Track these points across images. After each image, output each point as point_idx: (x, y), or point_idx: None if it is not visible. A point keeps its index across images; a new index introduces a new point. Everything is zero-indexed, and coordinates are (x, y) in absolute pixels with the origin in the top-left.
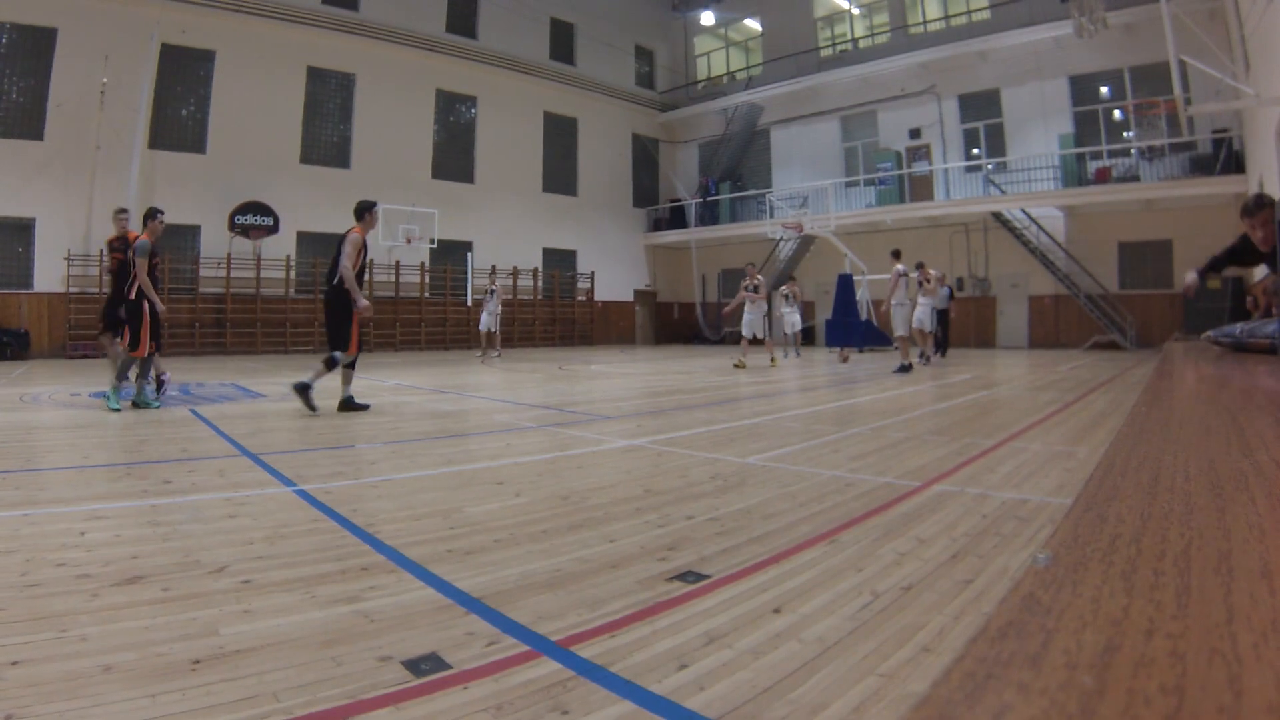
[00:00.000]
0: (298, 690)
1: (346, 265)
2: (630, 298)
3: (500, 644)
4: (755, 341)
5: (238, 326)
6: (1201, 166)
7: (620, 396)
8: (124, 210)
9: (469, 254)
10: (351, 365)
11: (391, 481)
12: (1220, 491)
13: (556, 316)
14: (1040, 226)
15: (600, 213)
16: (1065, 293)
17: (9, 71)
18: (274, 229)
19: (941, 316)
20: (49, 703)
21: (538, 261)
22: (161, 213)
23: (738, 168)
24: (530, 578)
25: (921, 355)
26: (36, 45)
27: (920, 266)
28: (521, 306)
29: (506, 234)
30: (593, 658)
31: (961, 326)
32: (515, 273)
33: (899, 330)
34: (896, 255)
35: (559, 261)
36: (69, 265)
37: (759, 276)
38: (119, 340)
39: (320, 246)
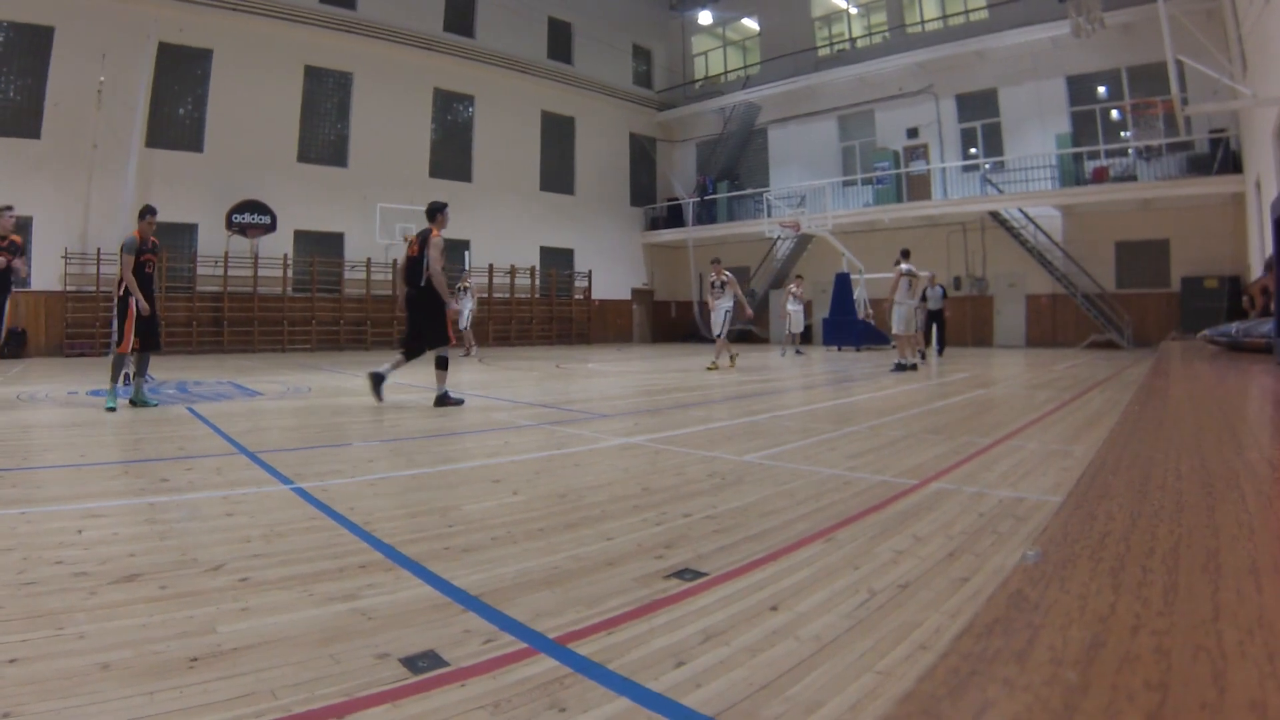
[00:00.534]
0: (295, 688)
1: (437, 269)
2: (628, 296)
3: (497, 641)
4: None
5: (235, 325)
6: (1199, 166)
7: (617, 395)
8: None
9: (466, 252)
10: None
11: (389, 479)
12: (1211, 490)
13: (554, 315)
14: (1037, 226)
15: (598, 211)
16: (1062, 292)
17: (6, 70)
18: (271, 228)
19: (936, 316)
20: (46, 700)
21: (535, 260)
22: (153, 211)
23: (735, 167)
24: (527, 575)
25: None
26: (33, 44)
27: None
28: (519, 305)
29: (504, 233)
30: (590, 655)
31: (959, 326)
32: (513, 271)
33: (897, 329)
34: (905, 255)
35: (556, 260)
36: (66, 264)
37: (725, 273)
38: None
39: (317, 245)
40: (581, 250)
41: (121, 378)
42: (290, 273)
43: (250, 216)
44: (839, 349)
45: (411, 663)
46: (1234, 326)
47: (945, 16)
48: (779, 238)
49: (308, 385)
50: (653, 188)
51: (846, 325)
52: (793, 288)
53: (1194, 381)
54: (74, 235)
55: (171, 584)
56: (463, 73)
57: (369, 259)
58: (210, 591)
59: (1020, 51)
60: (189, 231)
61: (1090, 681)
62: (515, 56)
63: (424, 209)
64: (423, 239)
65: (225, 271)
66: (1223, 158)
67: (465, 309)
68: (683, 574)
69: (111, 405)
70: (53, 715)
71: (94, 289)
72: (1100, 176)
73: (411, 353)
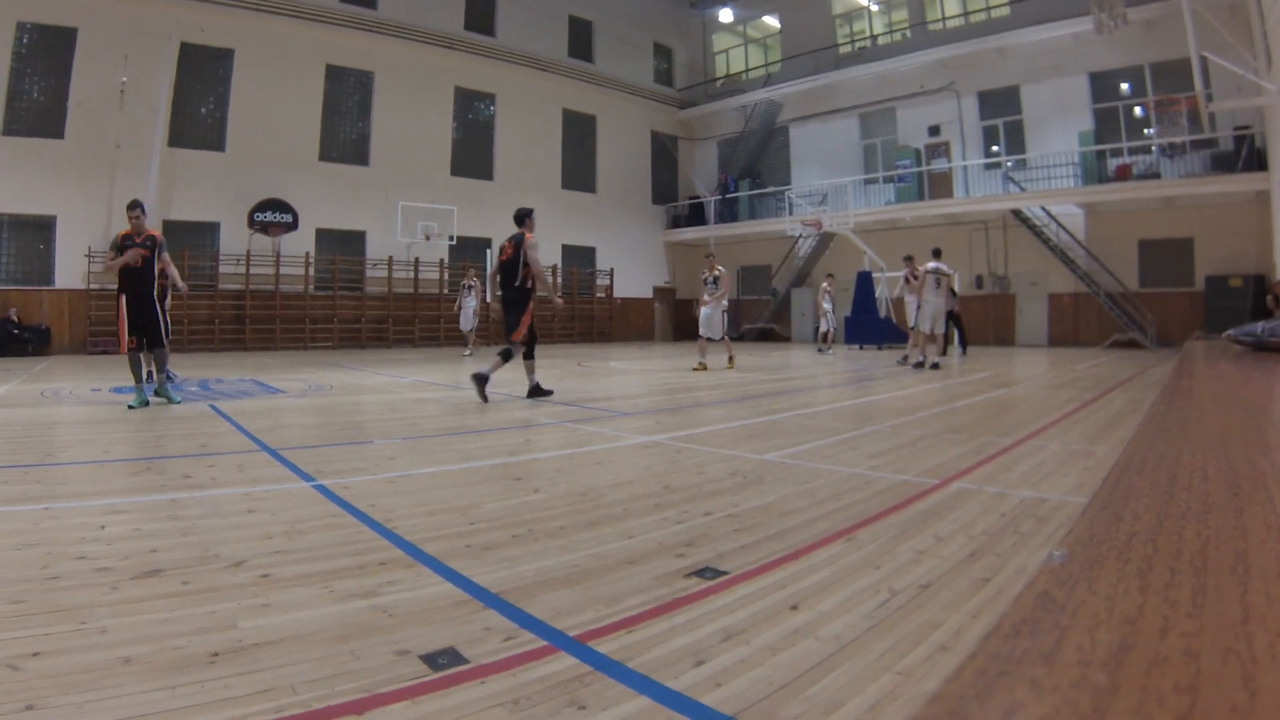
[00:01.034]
0: (315, 683)
1: (541, 270)
2: (649, 295)
3: (518, 639)
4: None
5: (257, 323)
6: (1223, 164)
7: (639, 393)
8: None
9: (488, 250)
10: (531, 355)
11: (409, 477)
12: (1238, 491)
13: (575, 313)
14: (1060, 224)
15: (619, 210)
16: (1085, 291)
17: (30, 71)
18: (293, 226)
19: (952, 315)
20: (68, 694)
21: (557, 258)
22: (135, 205)
23: (756, 165)
24: (548, 573)
25: (904, 358)
26: (57, 45)
27: (909, 260)
28: (541, 303)
29: None
30: (610, 653)
31: (980, 324)
32: None
33: (924, 327)
34: (936, 254)
35: (578, 258)
36: (89, 262)
37: (719, 268)
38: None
39: (339, 243)
40: (603, 249)
41: (145, 375)
42: (312, 271)
43: (272, 215)
44: (860, 348)
45: (431, 660)
46: (1259, 326)
47: (966, 13)
48: (800, 236)
49: (329, 383)
50: (674, 186)
51: (869, 324)
52: (826, 286)
53: (1219, 381)
54: (97, 234)
55: (193, 580)
56: (483, 71)
57: (390, 257)
58: (231, 587)
59: (1042, 48)
60: (211, 230)
61: (1119, 684)
62: (536, 55)
63: (443, 206)
64: (516, 243)
65: (247, 270)
66: (1247, 155)
67: (469, 308)
68: (703, 573)
69: (134, 404)
70: (74, 708)
71: (116, 287)
72: (1123, 174)
73: (509, 353)
